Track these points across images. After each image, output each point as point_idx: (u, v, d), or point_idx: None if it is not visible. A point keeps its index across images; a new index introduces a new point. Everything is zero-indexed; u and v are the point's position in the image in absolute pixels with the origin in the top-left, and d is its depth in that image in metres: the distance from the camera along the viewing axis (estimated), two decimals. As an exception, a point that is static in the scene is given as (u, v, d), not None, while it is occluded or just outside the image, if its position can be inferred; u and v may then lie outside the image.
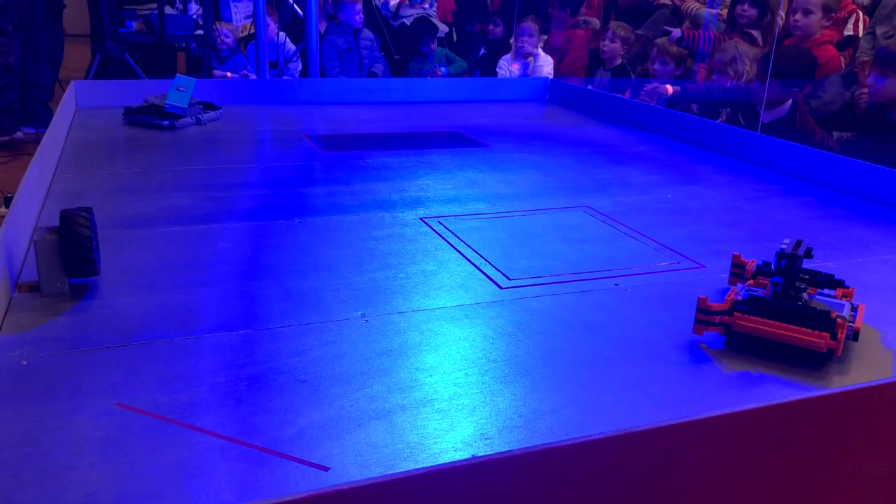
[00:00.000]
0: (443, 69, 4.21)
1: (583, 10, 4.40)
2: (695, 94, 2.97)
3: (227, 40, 4.10)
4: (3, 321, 0.88)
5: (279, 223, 1.29)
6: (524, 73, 3.83)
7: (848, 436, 0.79)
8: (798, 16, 2.95)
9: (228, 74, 4.01)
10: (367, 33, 4.25)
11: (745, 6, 3.28)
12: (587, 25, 4.29)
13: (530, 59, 3.83)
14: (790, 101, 2.64)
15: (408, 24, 4.64)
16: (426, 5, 4.79)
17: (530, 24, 3.90)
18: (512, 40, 4.20)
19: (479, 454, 0.66)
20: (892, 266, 1.19)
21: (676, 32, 3.44)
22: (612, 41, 3.67)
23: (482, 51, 4.46)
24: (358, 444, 0.67)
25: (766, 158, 1.83)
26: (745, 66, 2.86)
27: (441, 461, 0.65)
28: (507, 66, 3.90)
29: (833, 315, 0.84)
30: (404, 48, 4.56)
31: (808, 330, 0.83)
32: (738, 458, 0.74)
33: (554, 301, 1.01)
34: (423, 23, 4.37)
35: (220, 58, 4.13)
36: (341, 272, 1.08)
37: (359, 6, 4.13)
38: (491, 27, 4.43)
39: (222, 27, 4.16)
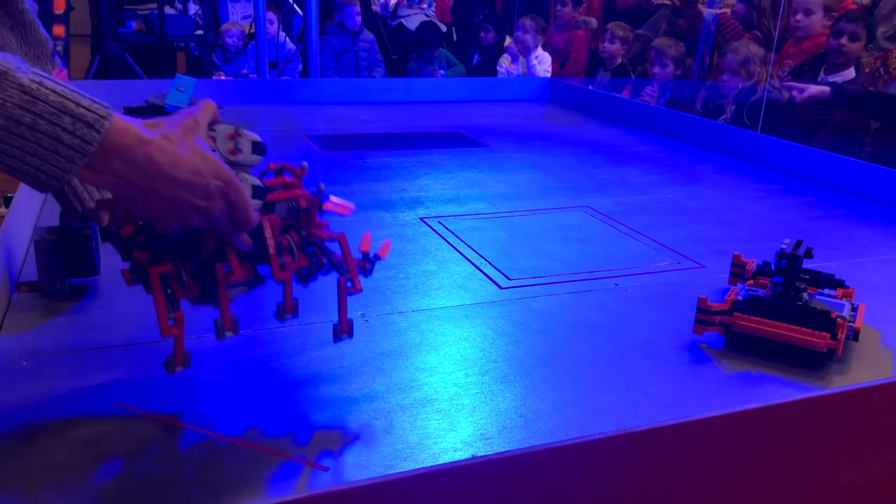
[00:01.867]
0: (441, 72, 4.22)
1: (581, 10, 4.40)
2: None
3: (236, 40, 4.10)
4: (3, 321, 0.88)
5: (279, 223, 1.29)
6: (518, 72, 3.83)
7: (848, 436, 0.79)
8: (799, 16, 2.96)
9: (223, 76, 4.01)
10: (366, 35, 4.24)
11: (735, 4, 3.32)
12: (586, 26, 4.30)
13: (522, 58, 3.83)
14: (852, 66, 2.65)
15: (407, 24, 4.64)
16: (424, 5, 4.79)
17: (528, 22, 3.91)
18: (508, 41, 4.21)
19: (479, 454, 0.66)
20: (892, 266, 1.19)
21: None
22: (612, 42, 3.68)
23: (476, 58, 4.47)
24: (358, 444, 0.67)
25: (766, 158, 1.83)
26: (757, 66, 2.87)
27: (441, 461, 0.65)
28: (507, 66, 3.90)
29: (833, 315, 0.84)
30: (402, 48, 4.55)
31: (808, 330, 0.83)
32: (738, 458, 0.74)
33: (554, 301, 1.01)
34: (430, 28, 4.36)
35: (225, 57, 4.13)
36: (341, 272, 1.08)
37: (356, 7, 4.12)
38: (482, 34, 4.44)
39: (230, 28, 4.16)
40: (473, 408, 0.74)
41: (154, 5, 4.58)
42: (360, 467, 0.64)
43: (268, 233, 0.67)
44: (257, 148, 0.70)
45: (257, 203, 0.67)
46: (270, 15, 3.90)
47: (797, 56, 2.98)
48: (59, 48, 0.86)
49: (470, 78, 3.73)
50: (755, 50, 2.93)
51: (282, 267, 0.68)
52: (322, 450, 0.66)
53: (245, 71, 4.12)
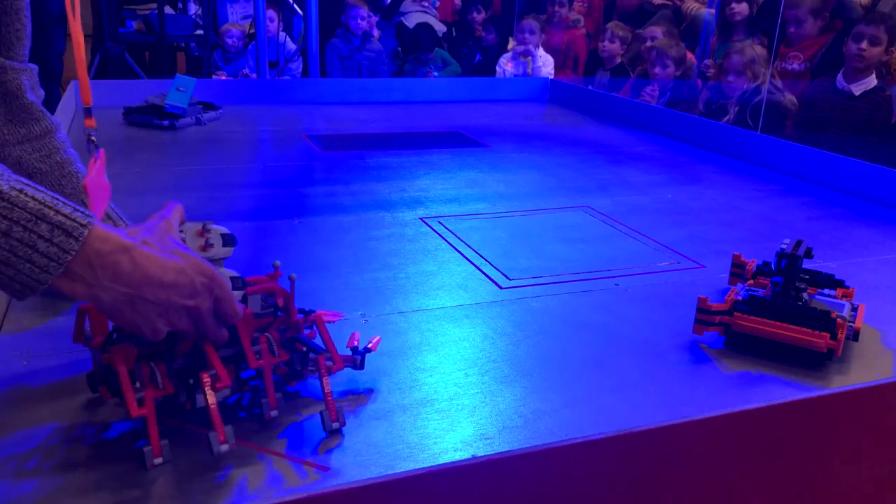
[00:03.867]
0: (435, 73, 4.22)
1: (580, 9, 4.41)
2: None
3: (236, 40, 4.10)
4: (3, 321, 0.88)
5: (279, 223, 1.29)
6: (523, 73, 3.83)
7: (848, 436, 0.79)
8: (792, 28, 2.99)
9: (224, 75, 4.02)
10: (374, 45, 4.22)
11: (733, 4, 3.33)
12: (579, 24, 4.32)
13: (527, 58, 3.83)
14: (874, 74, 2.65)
15: (406, 23, 4.63)
16: (425, 3, 4.79)
17: (531, 23, 3.91)
18: (511, 44, 4.22)
19: (479, 454, 0.66)
20: (892, 266, 1.19)
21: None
22: (612, 41, 3.68)
23: (478, 57, 4.47)
24: (358, 444, 0.67)
25: (766, 158, 1.83)
26: (762, 67, 2.88)
27: (441, 461, 0.65)
28: (508, 68, 3.91)
29: (833, 315, 0.84)
30: (402, 47, 4.55)
31: (808, 330, 0.83)
32: (738, 458, 0.74)
33: (554, 301, 1.01)
34: (425, 30, 4.36)
35: (226, 57, 4.13)
36: (341, 272, 1.08)
37: (362, 11, 4.11)
38: (483, 34, 4.44)
39: (230, 28, 4.15)
40: (473, 408, 0.74)
41: (154, 5, 4.58)
42: (360, 467, 0.64)
43: (240, 325, 0.67)
44: (227, 240, 0.71)
45: (238, 294, 0.68)
46: (271, 13, 3.90)
47: (794, 57, 3.00)
48: (93, 139, 0.88)
49: (470, 78, 3.73)
50: (760, 51, 2.94)
51: (257, 354, 0.68)
52: (322, 450, 0.66)
53: (245, 70, 4.12)
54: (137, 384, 0.64)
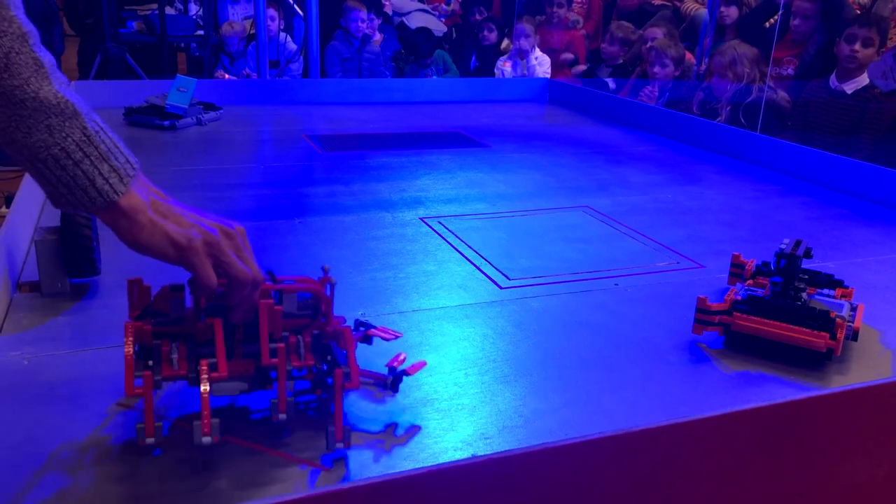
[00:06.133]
0: (435, 76, 4.23)
1: (581, 10, 4.42)
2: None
3: (236, 44, 4.10)
4: (3, 321, 0.88)
5: (279, 223, 1.29)
6: (517, 73, 3.84)
7: (848, 436, 0.79)
8: (797, 21, 2.98)
9: (226, 76, 4.02)
10: (373, 47, 4.23)
11: (723, 8, 3.35)
12: (577, 25, 4.32)
13: (522, 59, 3.85)
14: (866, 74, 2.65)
15: (408, 23, 4.63)
16: (440, 4, 4.80)
17: (524, 25, 3.93)
18: (505, 42, 4.22)
19: (479, 454, 0.66)
20: (892, 266, 1.19)
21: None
22: (611, 44, 3.68)
23: (474, 63, 4.48)
24: (358, 444, 0.67)
25: (766, 158, 1.83)
26: (745, 67, 2.87)
27: (441, 461, 0.65)
28: (506, 68, 3.92)
29: (832, 315, 0.84)
30: (404, 46, 4.56)
31: (808, 330, 0.83)
32: (738, 458, 0.74)
33: (554, 301, 1.01)
34: (424, 35, 4.37)
35: (231, 60, 4.13)
36: (341, 272, 1.08)
37: (361, 13, 4.11)
38: (485, 33, 4.45)
39: (229, 32, 4.14)
40: (473, 408, 0.74)
41: (154, 6, 4.58)
42: (361, 467, 0.64)
43: (263, 318, 0.65)
44: None
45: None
46: (272, 12, 3.90)
47: (789, 60, 3.00)
48: None
49: (470, 78, 3.73)
50: (744, 50, 2.92)
51: (272, 354, 0.65)
52: (322, 450, 0.66)
53: (246, 71, 4.12)
54: (150, 361, 0.63)
